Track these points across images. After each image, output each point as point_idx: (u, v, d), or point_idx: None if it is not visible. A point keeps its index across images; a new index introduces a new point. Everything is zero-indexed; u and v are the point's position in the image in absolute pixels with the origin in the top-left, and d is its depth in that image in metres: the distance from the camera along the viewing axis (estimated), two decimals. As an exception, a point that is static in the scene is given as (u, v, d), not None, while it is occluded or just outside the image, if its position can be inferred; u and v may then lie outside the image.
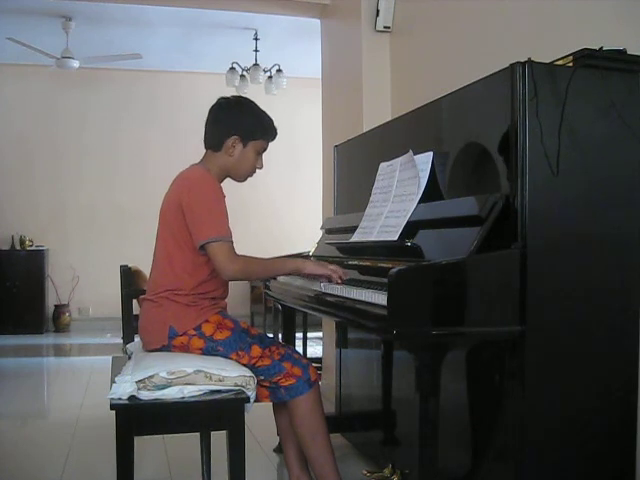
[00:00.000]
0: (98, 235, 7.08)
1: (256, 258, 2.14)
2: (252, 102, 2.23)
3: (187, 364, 1.92)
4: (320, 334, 4.51)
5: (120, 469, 1.82)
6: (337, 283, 2.04)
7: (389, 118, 3.30)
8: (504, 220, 1.67)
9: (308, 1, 4.13)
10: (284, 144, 6.92)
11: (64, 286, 7.01)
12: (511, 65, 1.68)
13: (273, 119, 2.23)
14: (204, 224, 2.00)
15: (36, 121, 6.98)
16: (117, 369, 2.07)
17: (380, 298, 1.65)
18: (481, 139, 1.88)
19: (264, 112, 2.22)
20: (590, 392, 1.74)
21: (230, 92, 2.38)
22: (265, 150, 2.23)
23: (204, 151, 2.21)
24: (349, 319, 1.88)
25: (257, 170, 2.24)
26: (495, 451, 1.80)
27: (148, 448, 2.88)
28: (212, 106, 2.21)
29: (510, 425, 1.71)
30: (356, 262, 2.24)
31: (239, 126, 2.15)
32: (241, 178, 2.23)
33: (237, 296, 6.79)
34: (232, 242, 2.03)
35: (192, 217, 2.01)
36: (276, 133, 2.23)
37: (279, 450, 2.81)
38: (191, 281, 2.06)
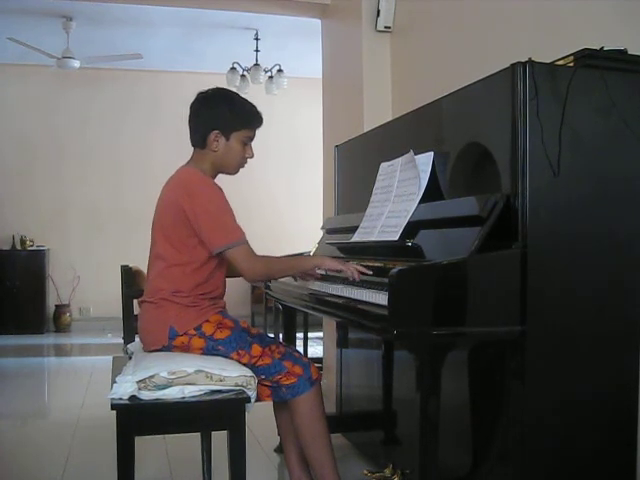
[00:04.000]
0: (99, 235, 7.08)
1: (276, 257, 2.14)
2: (230, 92, 2.20)
3: (188, 364, 1.92)
4: (321, 334, 4.52)
5: (121, 469, 1.82)
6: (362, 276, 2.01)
7: (390, 118, 3.30)
8: (505, 220, 1.67)
9: (309, 1, 4.13)
10: (285, 144, 6.98)
11: (65, 286, 7.01)
12: (512, 65, 1.68)
13: (256, 105, 2.18)
14: (217, 231, 2.00)
15: (37, 121, 6.99)
16: (118, 369, 2.07)
17: (381, 298, 1.65)
18: (482, 139, 1.88)
19: (244, 101, 2.18)
20: (591, 392, 1.73)
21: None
22: (252, 139, 2.18)
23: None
24: (350, 319, 1.88)
25: (249, 160, 2.19)
26: (496, 451, 1.80)
27: (148, 448, 2.88)
28: (192, 103, 2.18)
29: (511, 425, 1.71)
30: (357, 262, 2.23)
31: (217, 119, 2.11)
32: (232, 171, 2.19)
33: (238, 296, 6.79)
34: (247, 242, 2.02)
35: (201, 225, 2.00)
36: (260, 120, 2.18)
37: (280, 450, 2.81)
38: (190, 283, 2.05)
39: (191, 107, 2.18)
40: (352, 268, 2.02)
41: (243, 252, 2.00)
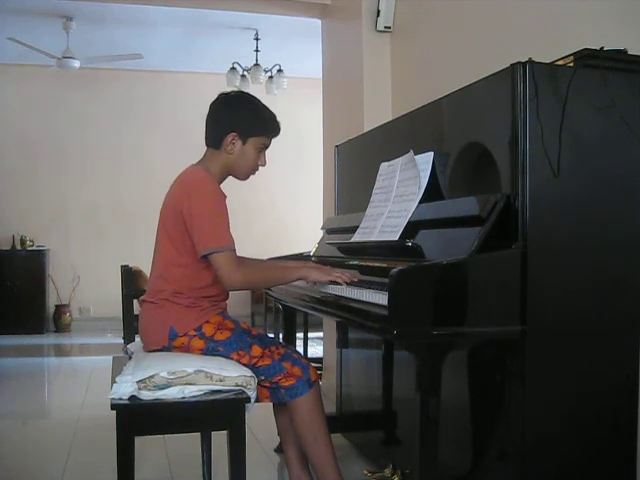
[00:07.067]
0: (99, 235, 7.09)
1: (260, 267, 2.12)
2: (252, 97, 2.19)
3: (188, 364, 1.92)
4: (321, 334, 4.52)
5: (120, 469, 1.83)
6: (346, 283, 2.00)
7: (390, 118, 3.30)
8: (505, 220, 1.67)
9: (309, 1, 4.13)
10: (285, 144, 6.93)
11: (65, 286, 7.01)
12: (512, 65, 1.68)
13: (275, 114, 2.19)
14: (206, 233, 1.98)
15: (38, 121, 6.99)
16: (118, 369, 2.07)
17: (381, 298, 1.65)
18: (482, 139, 1.88)
19: (265, 107, 2.17)
20: (590, 392, 1.73)
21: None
22: (267, 147, 2.18)
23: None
24: (350, 319, 1.88)
25: (260, 167, 2.19)
26: (496, 451, 1.80)
27: (148, 448, 2.88)
28: (212, 102, 2.17)
29: (511, 425, 1.71)
30: (357, 262, 2.24)
31: (237, 122, 2.11)
32: (243, 176, 2.18)
33: (238, 296, 6.78)
34: (234, 250, 2.00)
35: (193, 226, 1.98)
36: (279, 129, 2.18)
37: (280, 450, 2.81)
38: (191, 285, 2.05)
39: (211, 107, 2.16)
40: (333, 278, 2.01)
41: (225, 259, 1.96)
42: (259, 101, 2.19)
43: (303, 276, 2.09)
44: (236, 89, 2.20)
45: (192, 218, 1.98)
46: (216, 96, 2.18)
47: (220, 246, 1.96)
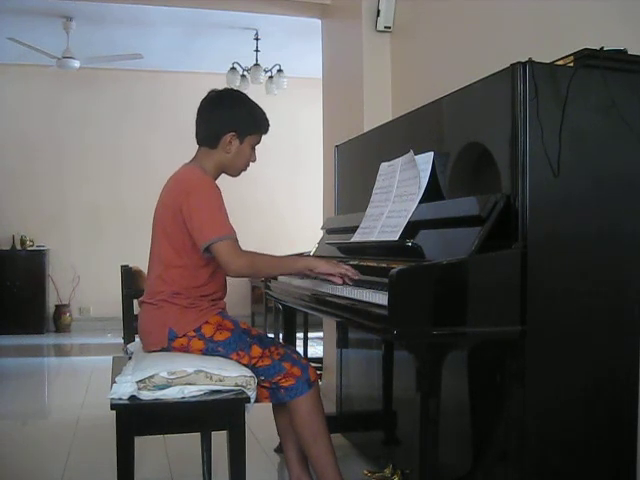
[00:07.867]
0: (99, 235, 7.08)
1: (264, 254, 2.12)
2: (244, 95, 2.20)
3: (187, 364, 1.92)
4: (321, 334, 4.51)
5: (120, 469, 1.83)
6: (349, 283, 1.98)
7: (390, 118, 3.30)
8: (505, 220, 1.67)
9: (309, 1, 4.13)
10: (285, 144, 6.99)
11: (65, 286, 7.01)
12: (512, 65, 1.68)
13: (266, 113, 2.19)
14: (205, 226, 1.97)
15: (38, 121, 6.98)
16: (118, 369, 2.07)
17: (381, 298, 1.65)
18: (482, 139, 1.88)
19: (256, 105, 2.18)
20: (590, 392, 1.73)
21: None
22: (259, 143, 2.19)
23: (205, 150, 2.18)
24: (350, 319, 1.88)
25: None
26: (495, 451, 1.80)
27: (148, 448, 2.88)
28: (203, 100, 2.15)
29: (511, 425, 1.70)
30: (357, 262, 2.23)
31: (235, 122, 2.10)
32: (236, 173, 2.20)
33: (238, 296, 6.79)
34: (235, 239, 2.00)
35: (193, 222, 1.98)
36: (269, 125, 2.19)
37: (280, 450, 2.81)
38: (189, 285, 2.04)
39: (203, 105, 2.15)
40: (343, 271, 1.99)
41: (227, 246, 1.96)
42: (250, 98, 2.19)
43: (310, 266, 2.06)
44: (225, 87, 2.20)
45: (191, 214, 1.98)
46: (206, 94, 2.16)
47: (219, 235, 1.96)
